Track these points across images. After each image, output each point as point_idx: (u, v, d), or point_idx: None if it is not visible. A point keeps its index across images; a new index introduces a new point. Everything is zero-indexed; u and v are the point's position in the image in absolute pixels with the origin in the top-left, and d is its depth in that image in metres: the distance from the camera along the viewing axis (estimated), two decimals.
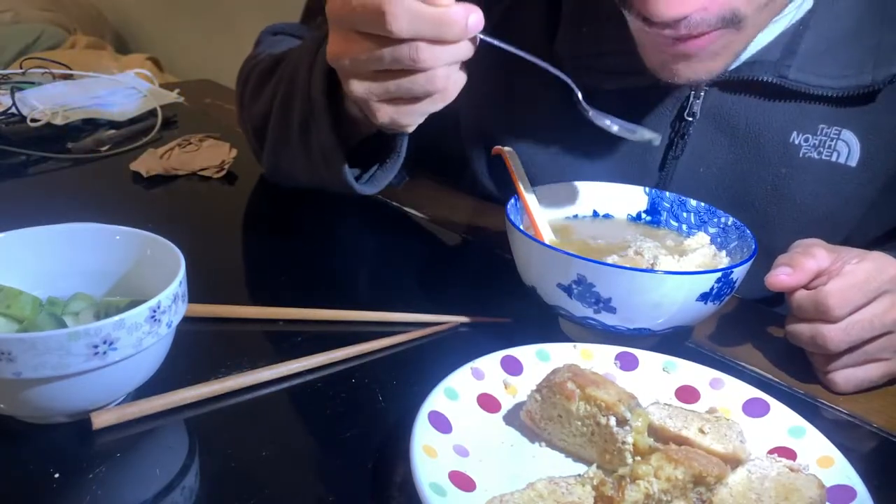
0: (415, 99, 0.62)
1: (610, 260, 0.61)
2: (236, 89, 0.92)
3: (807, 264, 0.61)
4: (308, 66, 0.74)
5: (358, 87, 0.61)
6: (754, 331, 0.71)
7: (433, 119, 0.65)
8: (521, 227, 0.63)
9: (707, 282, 0.58)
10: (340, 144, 0.73)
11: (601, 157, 0.82)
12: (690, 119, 0.78)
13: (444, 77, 0.60)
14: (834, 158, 0.76)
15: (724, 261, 0.66)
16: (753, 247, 0.64)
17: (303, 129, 0.75)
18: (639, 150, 0.80)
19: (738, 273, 0.60)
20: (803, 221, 0.79)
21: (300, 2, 0.97)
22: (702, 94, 0.77)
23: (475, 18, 0.57)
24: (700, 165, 0.80)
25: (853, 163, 0.76)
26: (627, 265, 0.61)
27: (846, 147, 0.76)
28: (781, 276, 0.61)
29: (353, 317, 0.67)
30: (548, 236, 0.68)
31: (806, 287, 0.61)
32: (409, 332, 0.65)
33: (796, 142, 0.76)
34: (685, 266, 0.63)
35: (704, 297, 0.59)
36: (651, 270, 0.60)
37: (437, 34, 0.56)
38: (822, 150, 0.76)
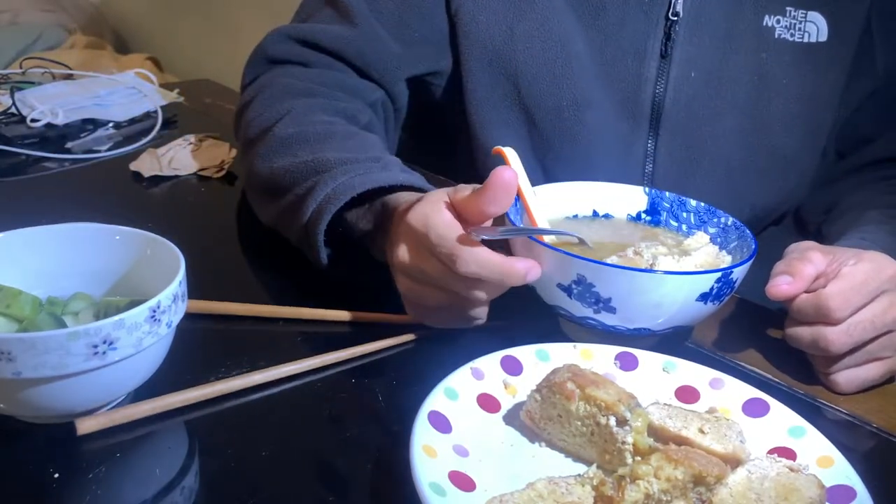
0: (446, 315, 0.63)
1: (610, 260, 0.61)
2: (235, 132, 0.89)
3: (805, 270, 0.61)
4: (312, 208, 0.68)
5: (405, 285, 0.62)
6: (754, 331, 0.71)
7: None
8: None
9: (707, 282, 0.58)
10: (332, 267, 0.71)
11: (595, 73, 0.86)
12: (675, 18, 0.83)
13: (484, 312, 0.63)
14: (806, 39, 0.86)
15: (726, 260, 0.66)
16: (753, 247, 0.64)
17: (301, 244, 0.72)
18: (634, 66, 0.85)
19: (738, 273, 0.60)
20: (790, 101, 0.87)
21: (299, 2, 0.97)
22: None
23: (533, 273, 0.58)
24: (691, 69, 0.86)
25: (823, 38, 0.86)
26: (627, 265, 0.61)
27: (815, 27, 0.86)
28: (783, 285, 0.61)
29: (353, 317, 0.67)
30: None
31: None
32: (409, 333, 0.65)
33: (769, 24, 0.85)
34: (684, 266, 0.63)
35: (704, 297, 0.59)
36: (651, 270, 0.60)
37: (499, 281, 0.58)
38: (794, 32, 0.86)
